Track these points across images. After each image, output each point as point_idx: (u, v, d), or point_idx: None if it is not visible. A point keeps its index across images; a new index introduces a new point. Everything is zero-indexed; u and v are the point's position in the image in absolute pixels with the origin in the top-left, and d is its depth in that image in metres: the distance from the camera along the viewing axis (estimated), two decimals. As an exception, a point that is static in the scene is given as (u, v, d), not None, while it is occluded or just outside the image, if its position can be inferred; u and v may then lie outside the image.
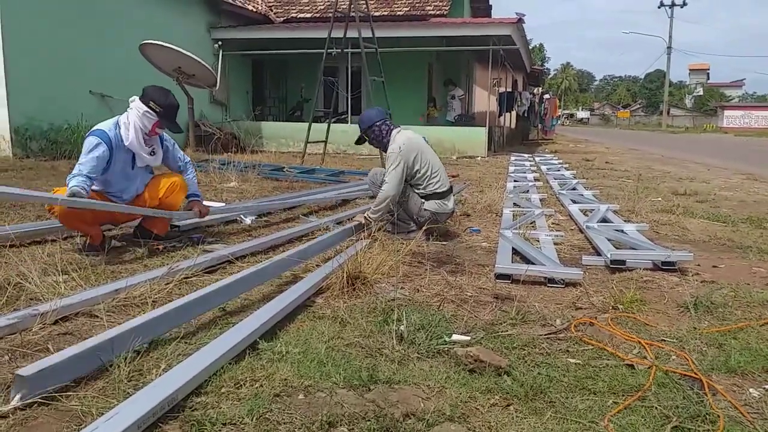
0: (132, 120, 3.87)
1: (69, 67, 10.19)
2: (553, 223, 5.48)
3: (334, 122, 11.95)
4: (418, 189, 4.57)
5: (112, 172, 3.86)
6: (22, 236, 3.92)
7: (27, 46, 9.43)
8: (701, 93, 73.71)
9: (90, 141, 3.73)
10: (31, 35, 9.48)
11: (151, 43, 9.44)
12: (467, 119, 17.47)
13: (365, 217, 4.48)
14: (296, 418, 1.81)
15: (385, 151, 4.60)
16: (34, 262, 3.07)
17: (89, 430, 1.59)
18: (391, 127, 4.64)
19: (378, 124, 4.59)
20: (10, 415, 1.74)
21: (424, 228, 4.34)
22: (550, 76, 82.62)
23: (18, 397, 1.79)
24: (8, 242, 3.69)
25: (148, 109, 3.86)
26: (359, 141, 4.84)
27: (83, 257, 3.67)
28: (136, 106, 3.89)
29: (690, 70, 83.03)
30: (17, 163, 8.71)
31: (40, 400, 1.82)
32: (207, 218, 4.60)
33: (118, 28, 11.21)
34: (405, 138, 4.53)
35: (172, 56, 9.51)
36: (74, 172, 3.64)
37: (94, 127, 3.85)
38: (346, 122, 14.35)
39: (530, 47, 26.30)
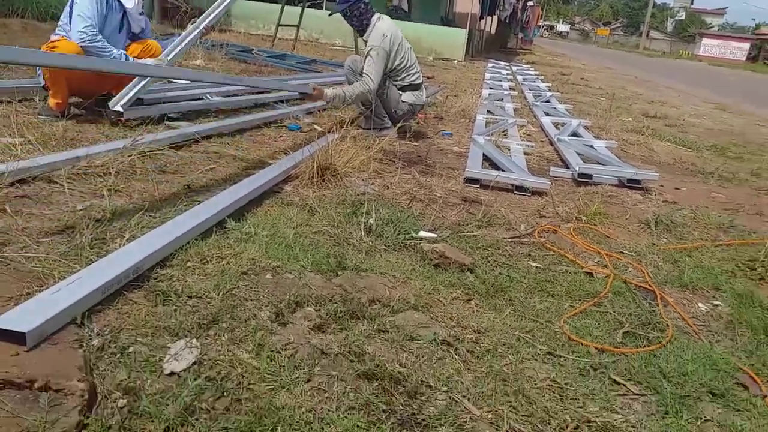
0: None
1: None
2: (524, 134, 5.47)
3: (308, 6, 11.36)
4: (396, 81, 4.43)
5: (102, 35, 3.70)
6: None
7: None
8: (683, 17, 72.76)
9: None
10: None
11: None
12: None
13: (326, 93, 4.05)
14: (263, 296, 1.82)
15: (361, 35, 4.34)
16: (-13, 121, 2.90)
17: (51, 291, 1.56)
18: (372, 11, 4.33)
19: (360, 4, 4.23)
20: (-33, 272, 1.70)
21: (398, 125, 4.27)
22: (535, -17, 79.75)
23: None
24: (-42, 98, 3.47)
25: None
26: (332, 14, 4.50)
27: (40, 121, 3.49)
28: None
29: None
30: (-36, 17, 8.07)
31: (-1, 258, 1.78)
32: (171, 93, 4.38)
33: None
34: (386, 27, 4.27)
35: None
36: (80, 23, 3.54)
37: None
38: (321, 8, 13.69)
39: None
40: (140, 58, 3.93)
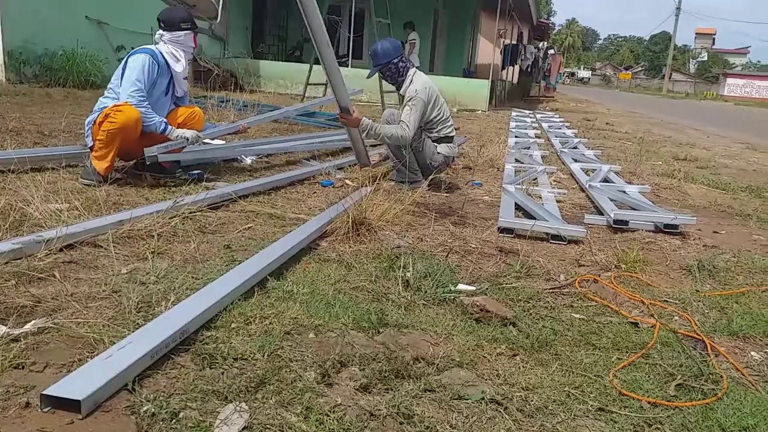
0: (176, 50, 4.02)
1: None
2: (555, 181, 5.47)
3: (336, 65, 11.69)
4: (431, 133, 4.53)
5: (151, 98, 3.90)
6: (23, 161, 3.84)
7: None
8: (705, 58, 72.80)
9: (144, 59, 3.80)
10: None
11: (151, -30, 9.09)
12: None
13: (363, 120, 4.01)
14: (308, 356, 1.82)
15: (399, 89, 4.48)
16: (36, 189, 3.02)
17: (103, 357, 1.59)
18: (408, 65, 4.47)
19: (396, 61, 4.38)
20: (22, 339, 1.74)
21: (430, 177, 4.32)
22: (555, 31, 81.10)
23: (33, 322, 1.78)
24: (9, 167, 3.62)
25: (184, 31, 4.03)
26: (371, 75, 4.63)
27: (84, 187, 3.62)
28: (170, 37, 4.00)
29: (696, 33, 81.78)
30: (10, 88, 8.48)
31: (51, 325, 1.82)
32: (207, 155, 4.55)
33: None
34: (424, 80, 4.41)
35: (173, -15, 9.20)
36: (130, 87, 3.73)
37: (138, 49, 3.92)
38: (347, 65, 14.07)
39: None
40: (186, 124, 4.12)
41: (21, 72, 9.22)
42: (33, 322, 1.79)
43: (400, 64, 4.38)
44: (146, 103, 3.79)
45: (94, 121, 3.76)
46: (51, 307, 1.98)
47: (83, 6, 10.25)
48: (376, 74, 4.59)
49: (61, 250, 2.50)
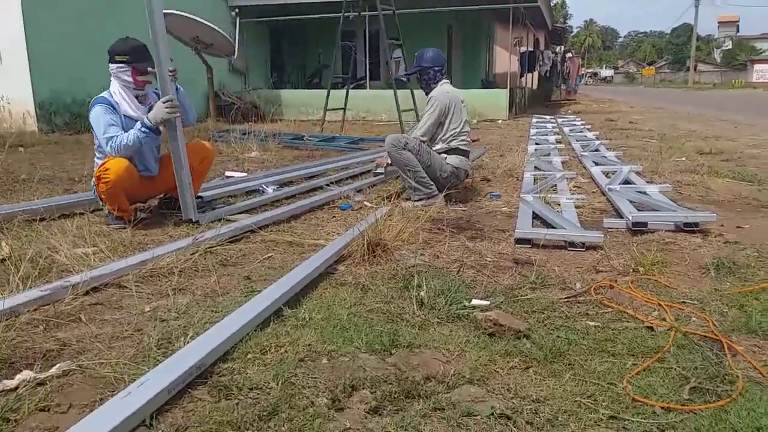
0: (116, 87, 3.85)
1: (90, 41, 10.20)
2: (574, 186, 5.44)
3: (353, 88, 11.87)
4: (443, 143, 4.76)
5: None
6: (51, 210, 4.02)
7: (49, 19, 9.48)
8: (730, 47, 71.29)
9: (96, 110, 3.73)
10: (52, 8, 9.53)
11: (167, 13, 9.31)
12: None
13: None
14: (320, 382, 1.87)
15: (427, 94, 4.90)
16: (63, 235, 3.16)
17: (122, 395, 1.66)
18: (444, 77, 4.94)
19: (437, 69, 4.86)
20: (48, 383, 1.83)
21: (444, 192, 4.37)
22: (573, 33, 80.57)
23: (58, 365, 1.87)
24: (38, 216, 3.79)
25: (119, 64, 3.80)
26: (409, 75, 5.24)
27: (110, 229, 3.76)
28: (111, 70, 3.84)
29: (719, 22, 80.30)
30: (43, 138, 8.86)
31: (76, 368, 1.91)
32: (230, 188, 4.68)
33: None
34: (449, 89, 4.86)
35: (190, 25, 9.50)
36: (107, 141, 3.65)
37: (92, 103, 3.82)
38: (365, 87, 14.25)
39: (552, 3, 25.61)
40: (198, 164, 4.11)
41: (52, 121, 9.62)
42: (58, 365, 1.89)
43: (439, 72, 4.88)
44: (115, 138, 3.67)
45: (94, 184, 3.80)
46: (76, 350, 2.08)
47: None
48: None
49: (87, 293, 2.61)
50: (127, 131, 3.75)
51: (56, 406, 1.71)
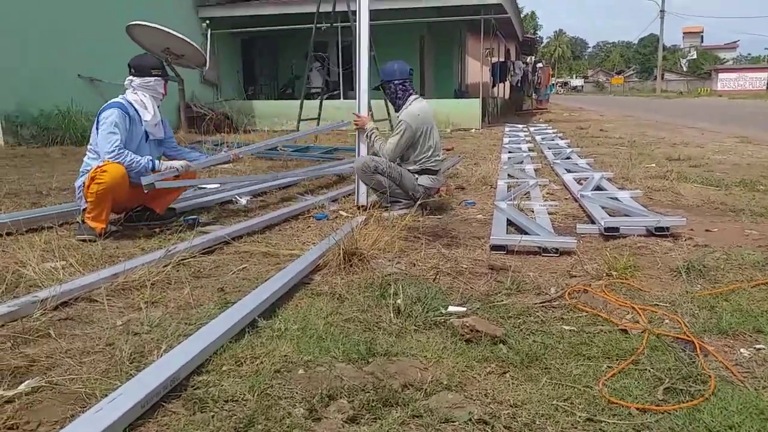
0: (139, 97, 4.06)
1: (55, 51, 10.06)
2: (547, 193, 5.51)
3: (327, 98, 11.87)
4: (415, 164, 4.62)
5: (131, 145, 3.95)
6: (17, 224, 3.91)
7: (13, 29, 9.31)
8: (695, 56, 73.14)
9: (115, 113, 3.84)
10: (17, 18, 9.37)
11: (137, 25, 9.32)
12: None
13: (369, 125, 4.71)
14: (297, 393, 1.85)
15: (396, 110, 4.74)
16: (31, 249, 3.08)
17: (93, 411, 1.62)
18: (410, 91, 4.68)
19: (397, 83, 4.63)
20: (16, 400, 1.78)
21: (418, 203, 4.37)
22: (543, 44, 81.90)
23: (26, 382, 1.82)
24: (5, 230, 3.70)
25: (153, 77, 4.11)
26: (377, 88, 4.91)
27: (80, 243, 3.68)
28: (139, 83, 4.08)
29: (684, 33, 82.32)
30: (9, 151, 8.66)
31: (45, 384, 1.86)
32: (203, 199, 4.64)
33: (104, 9, 11.04)
34: (419, 109, 4.59)
35: (160, 37, 9.40)
36: (107, 144, 3.76)
37: (107, 104, 3.94)
38: (339, 98, 14.26)
39: (522, 15, 26.02)
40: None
41: (18, 134, 9.42)
42: (26, 382, 1.84)
43: (400, 87, 4.62)
44: (125, 152, 3.82)
45: (84, 184, 3.79)
46: (45, 366, 2.02)
47: (74, 65, 10.49)
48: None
49: (56, 308, 2.55)
50: (131, 138, 3.95)
51: (25, 423, 1.66)
